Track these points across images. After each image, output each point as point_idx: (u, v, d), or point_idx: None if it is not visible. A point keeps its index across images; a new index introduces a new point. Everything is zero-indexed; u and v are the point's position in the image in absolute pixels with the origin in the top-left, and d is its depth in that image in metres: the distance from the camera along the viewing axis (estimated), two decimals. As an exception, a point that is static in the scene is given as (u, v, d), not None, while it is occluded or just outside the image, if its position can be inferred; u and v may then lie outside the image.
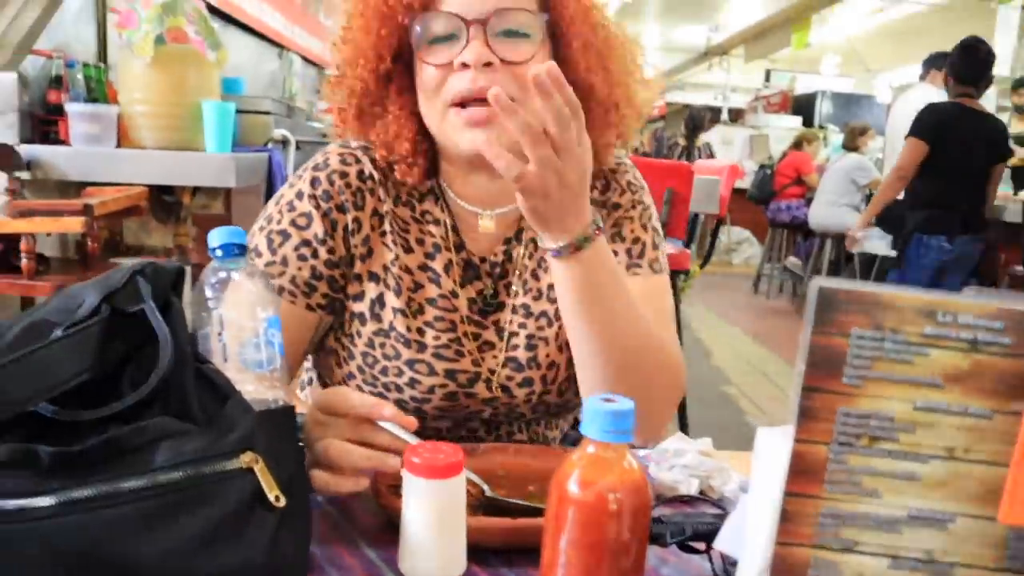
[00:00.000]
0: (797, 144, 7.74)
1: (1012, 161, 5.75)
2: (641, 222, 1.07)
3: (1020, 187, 5.26)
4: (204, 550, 0.56)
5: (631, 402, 0.55)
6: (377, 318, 1.00)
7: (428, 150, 1.01)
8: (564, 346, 1.01)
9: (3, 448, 0.55)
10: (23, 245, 2.24)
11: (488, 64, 0.90)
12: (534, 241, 1.04)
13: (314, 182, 1.00)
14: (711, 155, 7.80)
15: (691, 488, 0.83)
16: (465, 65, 0.90)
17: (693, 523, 0.67)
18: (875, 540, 0.46)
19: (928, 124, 4.07)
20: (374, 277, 1.01)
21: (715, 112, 11.55)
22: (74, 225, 2.24)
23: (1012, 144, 4.51)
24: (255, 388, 0.69)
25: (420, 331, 1.00)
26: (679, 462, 0.85)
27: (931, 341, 0.43)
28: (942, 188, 4.06)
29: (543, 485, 0.82)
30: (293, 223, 0.99)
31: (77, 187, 2.61)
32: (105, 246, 2.63)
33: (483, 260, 1.04)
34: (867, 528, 0.46)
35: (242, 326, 0.70)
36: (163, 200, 2.76)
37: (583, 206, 0.85)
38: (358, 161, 1.01)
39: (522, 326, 1.03)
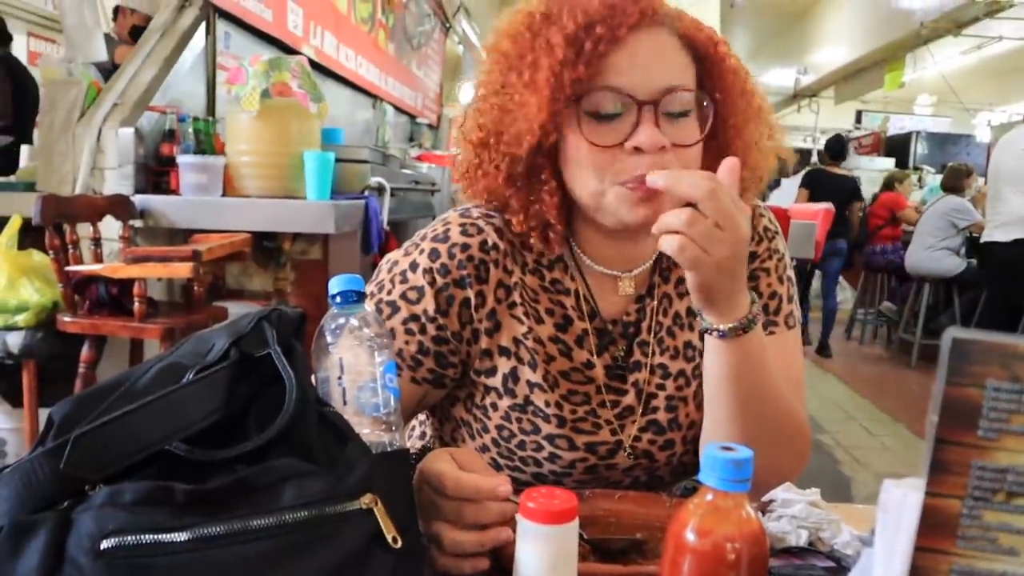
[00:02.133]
0: (888, 185, 7.54)
1: None
2: (777, 273, 1.04)
3: None
4: (327, 588, 0.58)
5: (750, 451, 0.55)
6: (511, 393, 0.97)
7: (567, 222, 0.98)
8: (703, 406, 0.98)
9: (143, 485, 0.58)
10: (136, 289, 2.36)
11: (661, 148, 0.88)
12: (667, 297, 1.03)
13: (432, 255, 0.96)
14: None
15: (800, 539, 0.81)
16: (638, 149, 0.87)
17: (807, 575, 0.65)
18: (1013, 599, 0.44)
19: None
20: (505, 352, 0.97)
21: (805, 155, 11.36)
22: (183, 271, 2.35)
23: None
24: (371, 431, 0.71)
25: (559, 404, 0.97)
26: (787, 512, 0.83)
27: (1071, 394, 0.42)
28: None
29: (651, 532, 0.82)
30: (403, 296, 0.96)
31: (185, 234, 2.75)
32: (208, 290, 2.75)
33: (615, 323, 1.02)
34: (1004, 587, 0.44)
35: (360, 370, 0.72)
36: (264, 246, 2.87)
37: (744, 284, 0.84)
38: (480, 231, 0.97)
39: (660, 387, 1.01)
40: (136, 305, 2.35)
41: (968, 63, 10.96)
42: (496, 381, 0.98)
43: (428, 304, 0.95)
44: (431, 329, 0.96)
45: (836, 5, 11.53)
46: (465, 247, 0.96)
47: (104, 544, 0.55)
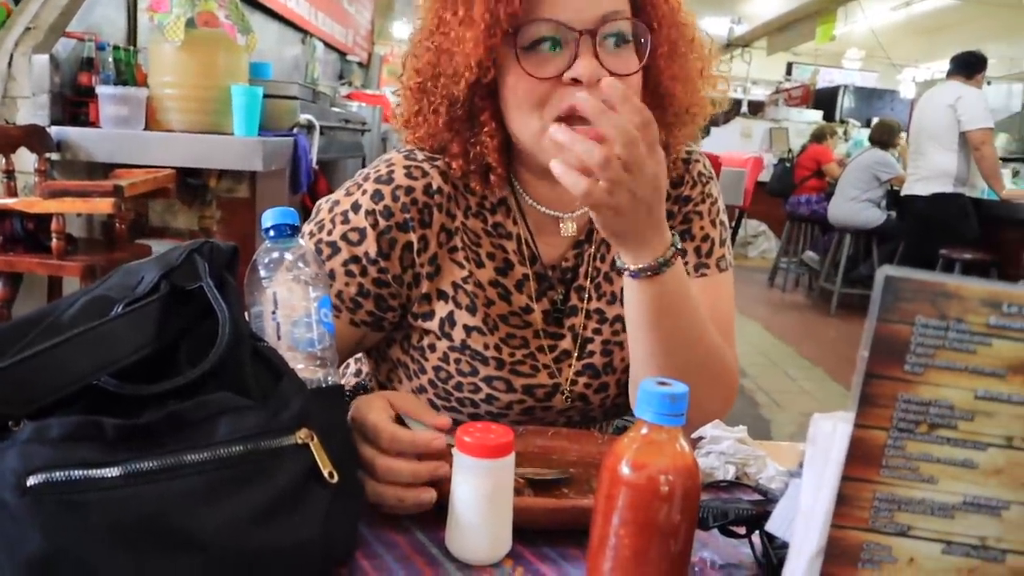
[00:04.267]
0: (817, 138, 7.71)
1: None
2: (710, 217, 1.05)
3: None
4: (262, 523, 0.58)
5: (685, 386, 0.56)
6: (448, 336, 0.97)
7: (507, 163, 0.98)
8: None
9: (70, 420, 0.56)
10: (54, 225, 2.27)
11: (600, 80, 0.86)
12: (606, 243, 1.02)
13: (375, 196, 0.94)
14: None
15: (727, 474, 0.84)
16: (575, 80, 0.86)
17: (735, 508, 0.68)
18: (929, 525, 0.46)
19: None
20: (443, 295, 0.97)
21: (735, 104, 11.48)
22: (104, 206, 2.27)
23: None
24: (306, 367, 0.71)
25: (497, 347, 0.97)
26: (716, 448, 0.86)
27: (995, 331, 0.43)
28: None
29: (584, 467, 0.83)
30: (344, 237, 0.94)
31: (105, 169, 2.65)
32: (131, 227, 2.66)
33: (554, 268, 1.02)
34: (921, 513, 0.46)
35: (294, 305, 0.71)
36: (189, 183, 2.78)
37: (660, 225, 0.83)
38: (425, 175, 0.95)
39: (597, 331, 1.01)
40: (54, 241, 2.27)
41: (897, 19, 11.17)
42: (433, 325, 0.98)
43: (370, 246, 0.94)
44: (372, 271, 0.95)
45: (772, -45, 11.58)
46: (409, 190, 0.95)
47: (31, 481, 0.53)
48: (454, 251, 0.97)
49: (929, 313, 0.44)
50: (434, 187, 0.95)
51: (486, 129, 0.93)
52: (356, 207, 0.95)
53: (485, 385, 0.97)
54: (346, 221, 0.95)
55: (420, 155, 0.98)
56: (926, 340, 0.44)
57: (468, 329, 0.97)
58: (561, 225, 1.01)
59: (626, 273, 0.86)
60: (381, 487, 0.72)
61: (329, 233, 0.95)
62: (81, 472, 0.54)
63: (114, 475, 0.55)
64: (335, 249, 0.94)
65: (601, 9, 0.87)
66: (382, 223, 0.94)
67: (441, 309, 0.97)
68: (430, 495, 0.72)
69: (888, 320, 0.44)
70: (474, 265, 0.98)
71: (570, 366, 1.01)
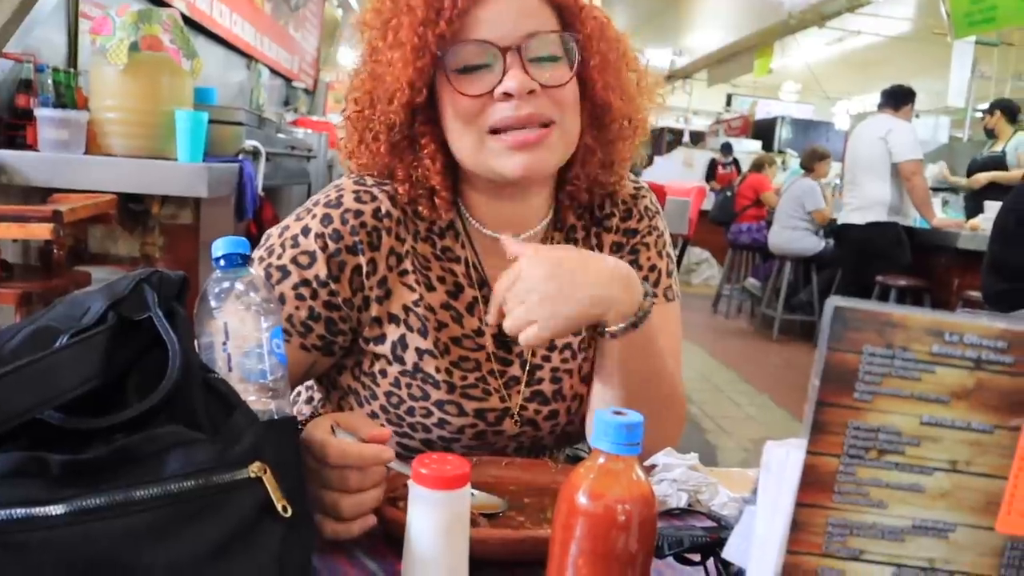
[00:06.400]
0: (757, 167, 7.90)
1: (964, 183, 5.96)
2: (656, 249, 1.08)
3: (971, 214, 5.42)
4: (215, 559, 0.57)
5: (640, 415, 0.57)
6: (400, 360, 0.97)
7: (453, 185, 1.00)
8: (587, 378, 1.02)
9: (12, 456, 0.54)
10: (-12, 251, 2.19)
11: (531, 92, 0.90)
12: None
13: (324, 220, 0.95)
14: None
15: (680, 501, 0.85)
16: (507, 95, 0.90)
17: (689, 535, 0.68)
18: (880, 549, 0.48)
19: None
20: (394, 319, 0.97)
21: (677, 134, 11.71)
22: (42, 232, 2.20)
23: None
24: (257, 398, 0.69)
25: (448, 371, 0.97)
26: (668, 476, 0.86)
27: (938, 359, 0.45)
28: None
29: (538, 497, 0.83)
30: (294, 260, 0.94)
31: (43, 193, 2.57)
32: (69, 253, 2.59)
33: None
34: (873, 537, 0.47)
35: (245, 336, 0.70)
36: (130, 208, 2.72)
37: (622, 280, 0.86)
38: (374, 199, 0.97)
39: (546, 359, 1.02)
40: (-13, 268, 2.19)
41: (831, 54, 11.56)
42: (385, 348, 0.98)
43: (320, 269, 0.94)
44: (322, 294, 0.95)
45: (711, -10, 11.90)
46: (358, 213, 0.95)
47: (-30, 519, 0.51)
48: (404, 274, 0.98)
49: (876, 342, 0.45)
50: (383, 211, 0.96)
51: (426, 151, 0.96)
52: (306, 231, 0.95)
53: (437, 409, 0.97)
54: (296, 245, 0.95)
55: (369, 180, 0.99)
56: (873, 368, 0.45)
57: (420, 352, 0.97)
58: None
59: (606, 336, 0.87)
60: (333, 524, 0.73)
61: (279, 257, 0.95)
62: (23, 510, 0.53)
63: (59, 513, 0.53)
64: (285, 273, 0.94)
65: (526, 28, 0.91)
66: (331, 246, 0.94)
67: (393, 332, 0.97)
68: (372, 521, 0.74)
69: (837, 349, 0.45)
70: (424, 288, 0.98)
71: (519, 392, 1.01)
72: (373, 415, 1.00)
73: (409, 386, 0.97)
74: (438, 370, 0.97)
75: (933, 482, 0.47)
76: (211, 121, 2.72)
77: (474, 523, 0.73)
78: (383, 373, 0.98)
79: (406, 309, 0.97)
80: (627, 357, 0.89)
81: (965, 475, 0.46)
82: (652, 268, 1.07)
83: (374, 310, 0.97)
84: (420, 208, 0.98)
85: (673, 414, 0.98)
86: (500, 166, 0.92)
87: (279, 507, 0.61)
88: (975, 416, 0.46)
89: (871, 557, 0.48)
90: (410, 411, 0.98)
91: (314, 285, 0.94)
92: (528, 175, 0.92)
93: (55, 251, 2.42)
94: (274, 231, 0.99)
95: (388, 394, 0.99)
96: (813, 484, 0.47)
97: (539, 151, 0.91)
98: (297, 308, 0.94)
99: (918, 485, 0.47)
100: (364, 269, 0.95)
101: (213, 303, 0.70)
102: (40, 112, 2.52)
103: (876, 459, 0.47)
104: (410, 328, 0.97)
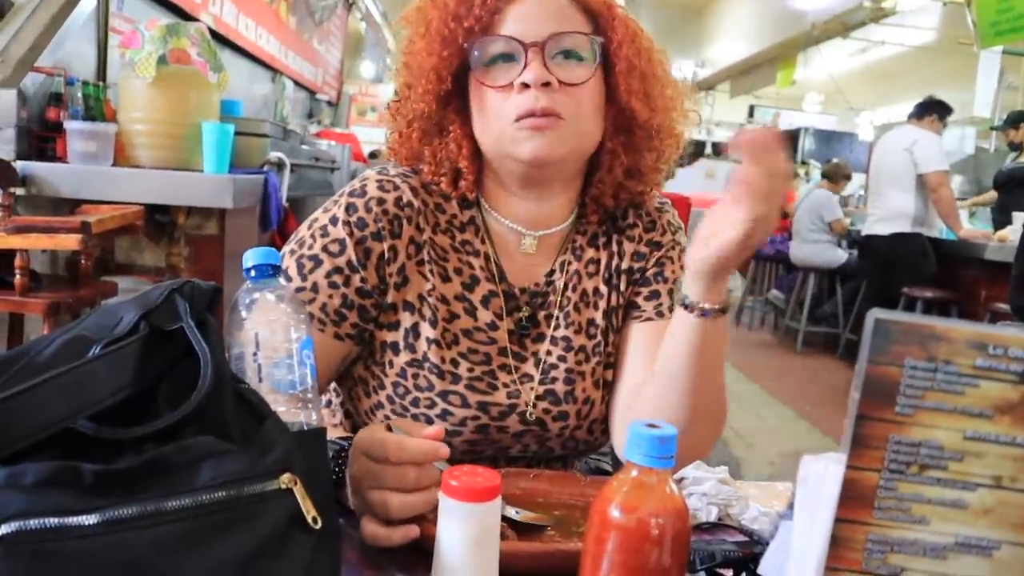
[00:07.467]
0: (781, 179, 7.84)
1: (984, 198, 5.88)
2: (681, 263, 1.09)
3: (999, 226, 5.35)
4: (245, 570, 0.56)
5: (674, 428, 0.56)
6: (411, 348, 0.99)
7: (477, 172, 1.03)
8: (600, 384, 1.03)
9: (46, 465, 0.54)
10: (17, 261, 2.23)
11: (547, 84, 0.93)
12: (577, 274, 1.06)
13: (349, 208, 0.98)
14: None
15: (710, 515, 0.84)
16: (525, 85, 0.94)
17: (721, 550, 0.68)
18: (922, 566, 0.47)
19: None
20: (409, 307, 1.00)
21: (699, 145, 11.68)
22: (70, 243, 2.23)
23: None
24: (287, 409, 0.69)
25: (454, 362, 0.99)
26: (698, 490, 0.86)
27: (982, 373, 0.44)
28: None
29: (568, 509, 0.83)
30: (325, 249, 0.98)
31: (71, 204, 2.61)
32: (96, 264, 2.62)
33: (523, 291, 1.05)
34: (914, 554, 0.47)
35: (276, 346, 0.70)
36: (157, 219, 2.75)
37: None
38: (396, 188, 1.00)
39: (561, 359, 1.03)
40: (17, 278, 2.22)
41: (854, 65, 11.49)
42: (397, 336, 1.00)
43: (350, 255, 0.98)
44: (355, 281, 0.98)
45: (734, 2, 11.88)
46: (381, 201, 0.99)
47: (3, 529, 0.51)
48: (421, 264, 1.01)
49: (918, 355, 0.44)
50: (404, 200, 1.00)
51: (453, 135, 1.01)
52: (334, 220, 0.99)
53: (440, 400, 0.98)
54: (325, 234, 0.98)
55: (393, 171, 1.03)
56: (915, 382, 0.45)
57: (429, 341, 0.99)
58: (522, 241, 1.04)
59: (695, 312, 0.88)
60: (376, 528, 0.74)
61: (310, 248, 0.98)
62: (57, 520, 0.53)
63: (91, 523, 0.53)
64: (317, 262, 0.98)
65: (552, 28, 0.95)
66: (357, 233, 0.98)
67: (407, 320, 1.00)
68: (416, 532, 0.73)
69: (879, 362, 0.45)
70: (439, 279, 1.01)
71: (532, 389, 1.02)
72: (379, 405, 1.02)
73: (416, 376, 0.99)
74: (443, 360, 0.98)
75: (976, 498, 0.46)
76: (237, 133, 2.74)
77: (503, 536, 0.72)
78: (391, 363, 1.00)
79: (420, 298, 1.00)
80: (706, 340, 0.89)
81: (1010, 491, 0.46)
82: (677, 281, 1.08)
83: (391, 296, 1.00)
84: (443, 185, 1.02)
85: (718, 424, 0.99)
86: (516, 150, 0.96)
87: (309, 518, 0.61)
88: (1020, 431, 0.45)
89: (912, 575, 0.47)
90: (415, 402, 0.99)
91: (346, 272, 0.97)
92: (538, 157, 0.95)
93: (82, 261, 2.45)
94: (303, 225, 1.02)
95: (395, 384, 1.00)
96: (853, 499, 0.46)
97: (549, 136, 0.94)
98: (331, 296, 0.97)
99: (961, 501, 0.46)
100: (386, 255, 0.98)
101: (244, 313, 0.70)
102: (69, 124, 2.56)
103: (918, 474, 0.46)
104: (423, 317, 0.99)
